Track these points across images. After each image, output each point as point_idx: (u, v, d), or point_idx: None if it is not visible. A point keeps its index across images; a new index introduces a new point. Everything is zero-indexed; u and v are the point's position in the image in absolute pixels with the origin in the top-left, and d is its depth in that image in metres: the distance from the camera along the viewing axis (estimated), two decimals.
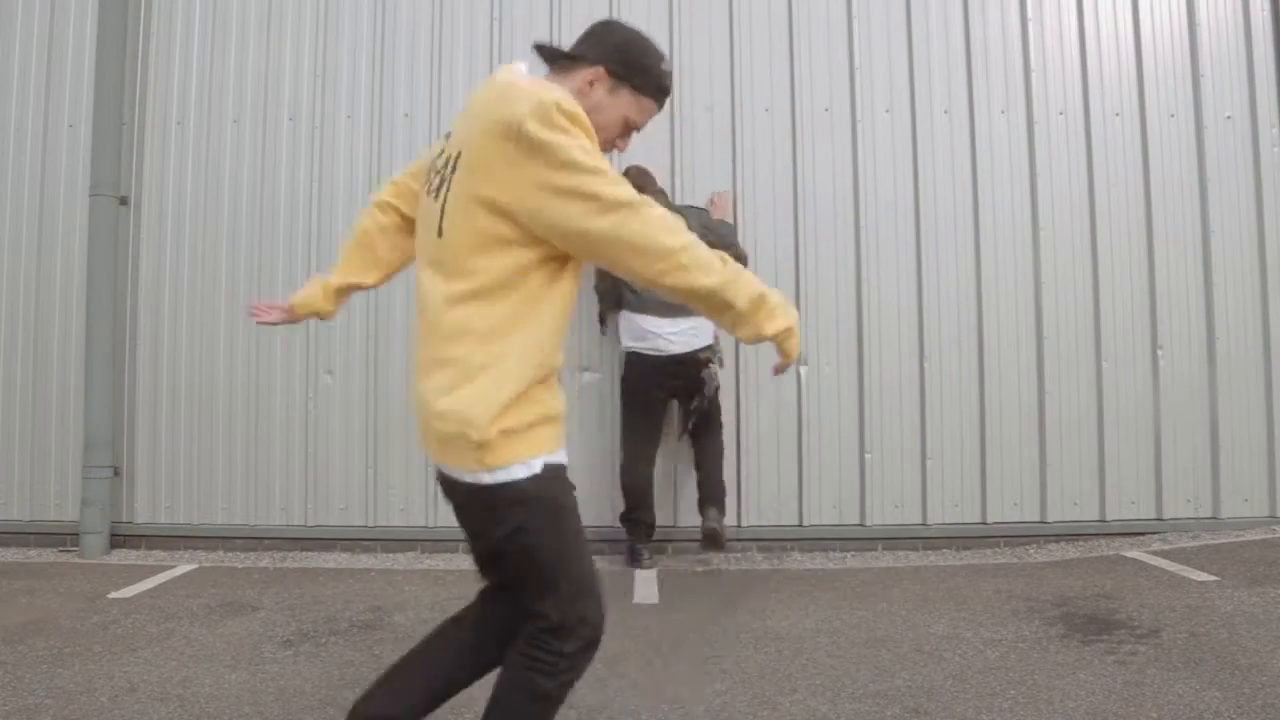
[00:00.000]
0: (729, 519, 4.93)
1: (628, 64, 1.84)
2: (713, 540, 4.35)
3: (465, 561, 4.90)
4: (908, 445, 4.95)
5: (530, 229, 1.67)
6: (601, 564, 4.74)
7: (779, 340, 1.73)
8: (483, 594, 2.01)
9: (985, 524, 4.91)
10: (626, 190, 1.67)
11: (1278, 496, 4.98)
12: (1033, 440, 4.96)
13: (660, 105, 1.94)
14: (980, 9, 5.13)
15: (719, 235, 4.39)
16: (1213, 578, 3.99)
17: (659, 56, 1.90)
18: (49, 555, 5.00)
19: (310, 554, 4.97)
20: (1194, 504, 4.96)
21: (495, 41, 5.18)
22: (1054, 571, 4.29)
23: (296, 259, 5.11)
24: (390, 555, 4.94)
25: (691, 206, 4.68)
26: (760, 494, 4.96)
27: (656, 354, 4.44)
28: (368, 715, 1.89)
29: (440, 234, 1.75)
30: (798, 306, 4.93)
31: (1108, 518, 4.94)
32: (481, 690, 2.87)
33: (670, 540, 4.95)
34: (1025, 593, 3.87)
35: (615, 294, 4.59)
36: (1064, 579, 4.12)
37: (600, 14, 5.12)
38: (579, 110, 1.69)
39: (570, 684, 1.82)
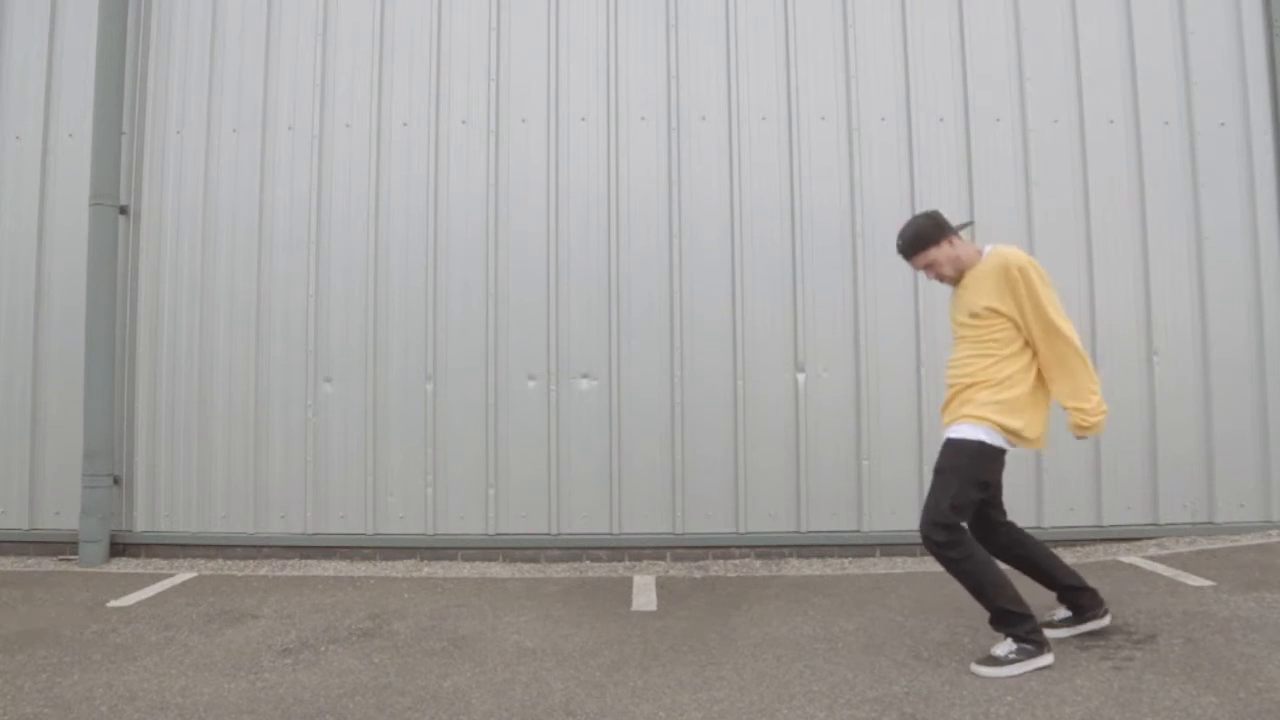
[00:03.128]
0: (728, 526, 4.96)
1: None
2: None
3: (463, 569, 4.94)
4: (904, 452, 4.97)
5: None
6: (599, 571, 4.77)
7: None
8: None
9: None
10: None
11: (1273, 501, 5.00)
12: None
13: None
14: (973, 17, 5.17)
15: None
16: (1209, 583, 4.00)
17: None
18: (48, 564, 5.01)
19: (309, 562, 4.99)
20: (1190, 509, 4.98)
21: (494, 51, 5.22)
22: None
23: (295, 267, 5.12)
24: (389, 563, 4.95)
25: None
26: (758, 500, 4.97)
27: None
28: None
29: None
30: (795, 314, 5.01)
31: (1104, 523, 4.95)
32: (478, 693, 2.89)
33: (669, 547, 4.96)
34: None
35: None
36: None
37: (598, 25, 5.19)
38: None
39: None
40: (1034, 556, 3.30)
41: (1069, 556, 4.74)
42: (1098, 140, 5.12)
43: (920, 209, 5.06)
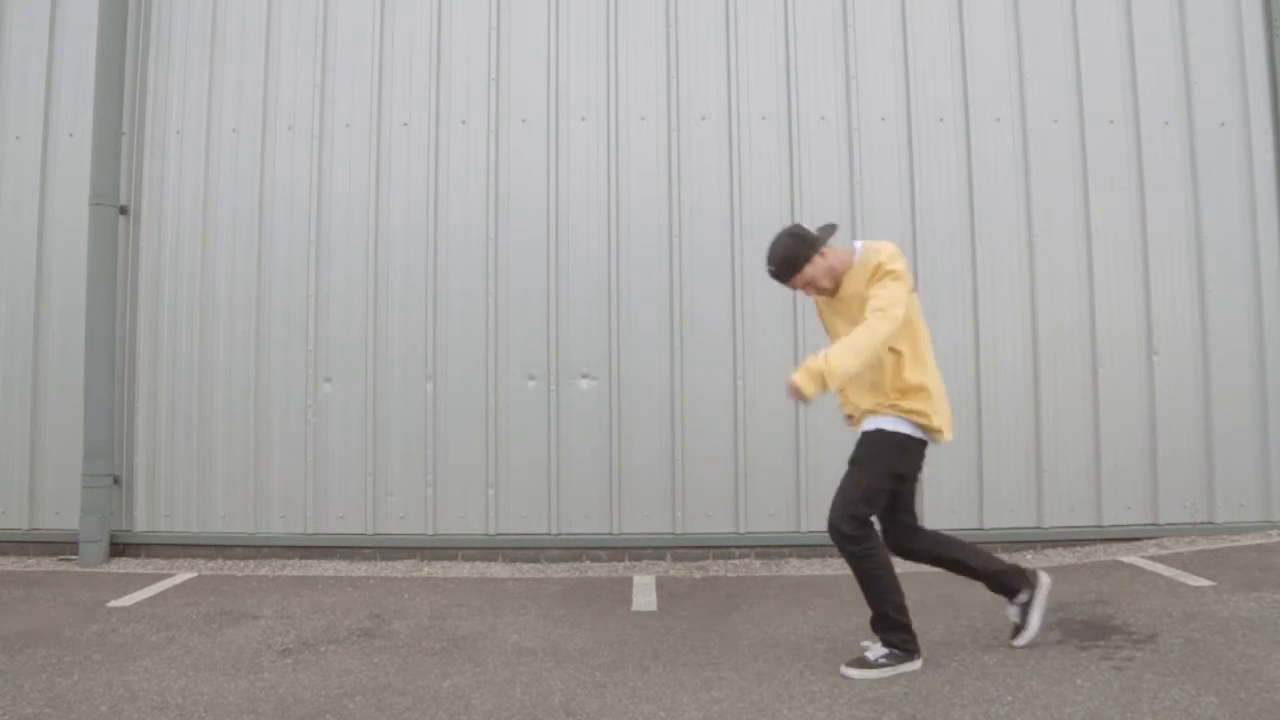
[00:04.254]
0: (728, 526, 4.96)
1: None
2: None
3: (463, 569, 4.94)
4: None
5: None
6: (599, 571, 4.77)
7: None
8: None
9: (982, 530, 4.92)
10: None
11: (1273, 501, 5.00)
12: (1029, 446, 4.97)
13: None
14: (973, 17, 5.17)
15: None
16: (1209, 583, 4.00)
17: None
18: (48, 564, 5.01)
19: (309, 562, 4.99)
20: (1190, 509, 4.98)
21: (494, 51, 5.22)
22: (1050, 577, 4.28)
23: (295, 267, 5.12)
24: (389, 563, 4.95)
25: None
26: (758, 500, 4.97)
27: None
28: None
29: None
30: (795, 313, 5.02)
31: (1104, 523, 4.95)
32: (478, 693, 2.89)
33: (669, 547, 4.96)
34: None
35: None
36: (1060, 584, 4.10)
37: (597, 24, 5.18)
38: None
39: None
40: (958, 555, 3.23)
41: (1069, 556, 4.76)
42: (1098, 140, 5.12)
43: (919, 207, 5.08)
